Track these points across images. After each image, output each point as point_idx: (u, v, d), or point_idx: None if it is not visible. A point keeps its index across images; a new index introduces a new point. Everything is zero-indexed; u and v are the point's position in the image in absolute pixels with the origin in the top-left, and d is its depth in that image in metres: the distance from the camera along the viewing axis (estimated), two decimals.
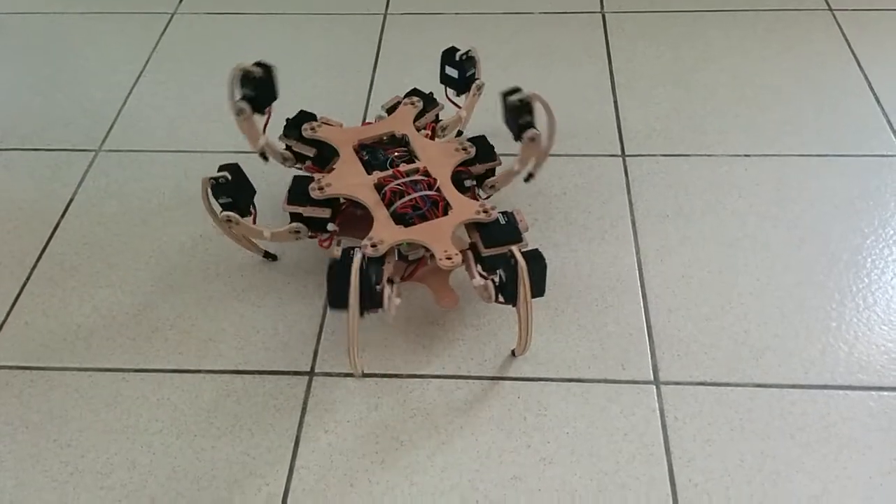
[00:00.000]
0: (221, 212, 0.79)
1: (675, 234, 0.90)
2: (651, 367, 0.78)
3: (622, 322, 0.82)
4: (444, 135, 0.92)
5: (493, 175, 0.86)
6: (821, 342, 0.79)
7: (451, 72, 0.92)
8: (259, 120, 0.81)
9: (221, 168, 0.80)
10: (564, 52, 1.16)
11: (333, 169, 0.83)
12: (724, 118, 1.05)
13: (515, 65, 1.14)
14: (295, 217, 0.80)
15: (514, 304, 0.72)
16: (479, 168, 0.84)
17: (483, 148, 0.84)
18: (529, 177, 0.81)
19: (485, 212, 0.76)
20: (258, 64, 0.80)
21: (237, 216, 0.79)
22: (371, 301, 0.69)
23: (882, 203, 0.93)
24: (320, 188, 0.78)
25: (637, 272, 0.87)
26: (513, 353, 0.79)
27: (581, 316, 0.82)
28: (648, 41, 1.18)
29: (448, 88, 0.94)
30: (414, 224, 0.76)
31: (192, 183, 0.99)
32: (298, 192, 0.79)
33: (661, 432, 0.73)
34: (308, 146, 0.85)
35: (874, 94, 1.07)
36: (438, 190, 0.78)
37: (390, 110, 0.89)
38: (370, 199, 0.78)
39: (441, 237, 0.74)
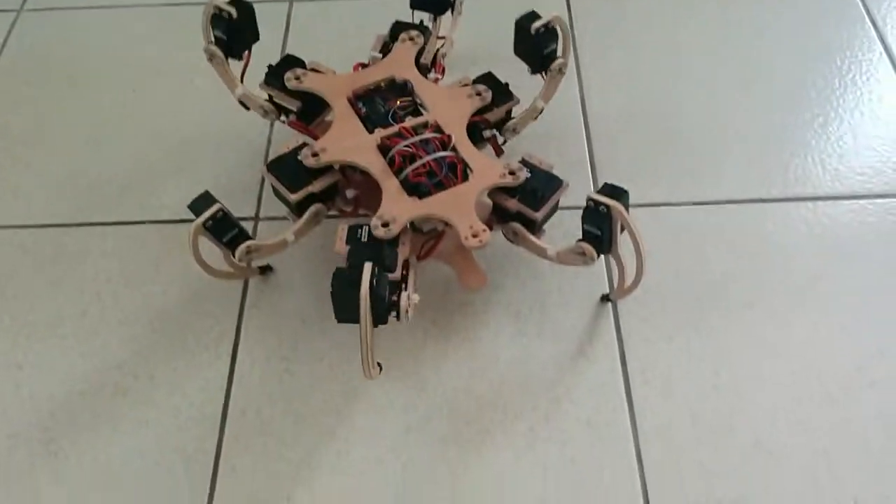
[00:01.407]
0: (239, 247, 0.66)
1: (623, 69, 0.90)
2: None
3: (565, 154, 0.82)
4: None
5: (511, 116, 0.75)
6: (759, 159, 0.81)
7: None
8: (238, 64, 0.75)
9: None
10: None
11: (325, 123, 0.72)
12: None
13: None
14: (306, 201, 0.67)
15: (610, 251, 0.64)
16: (497, 112, 0.73)
17: (496, 88, 0.73)
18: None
19: (511, 173, 0.65)
20: (233, 1, 0.71)
21: (257, 244, 0.66)
22: (384, 317, 0.58)
23: (821, 22, 0.92)
24: (314, 154, 0.66)
25: (580, 106, 0.86)
26: (606, 297, 0.72)
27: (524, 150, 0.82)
28: None
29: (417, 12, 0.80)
30: (430, 194, 0.64)
31: (121, 40, 0.95)
32: (293, 172, 0.66)
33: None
34: (292, 98, 0.73)
35: None
36: (454, 149, 0.67)
37: (384, 51, 0.76)
38: (375, 164, 0.66)
39: (464, 209, 0.63)
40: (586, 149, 0.82)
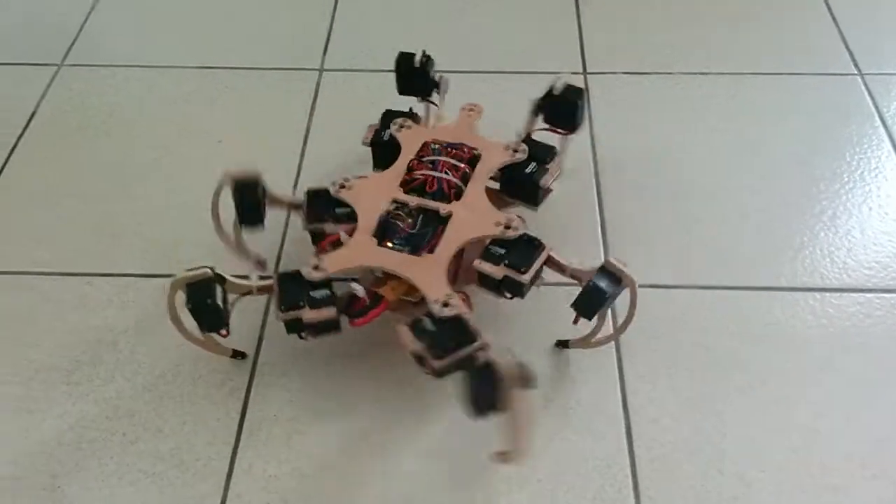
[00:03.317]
0: None
1: (632, 147, 0.92)
2: None
3: (579, 227, 0.84)
4: None
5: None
6: (768, 248, 0.82)
7: None
8: None
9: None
10: None
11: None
12: (684, 37, 1.06)
13: None
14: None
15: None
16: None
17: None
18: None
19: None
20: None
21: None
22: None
23: (832, 119, 0.95)
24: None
25: (594, 182, 0.89)
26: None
27: (538, 232, 0.84)
28: None
29: None
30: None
31: (155, 99, 0.99)
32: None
33: (612, 332, 0.76)
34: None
35: (830, 12, 1.09)
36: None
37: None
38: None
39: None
40: (599, 231, 0.84)
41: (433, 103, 0.84)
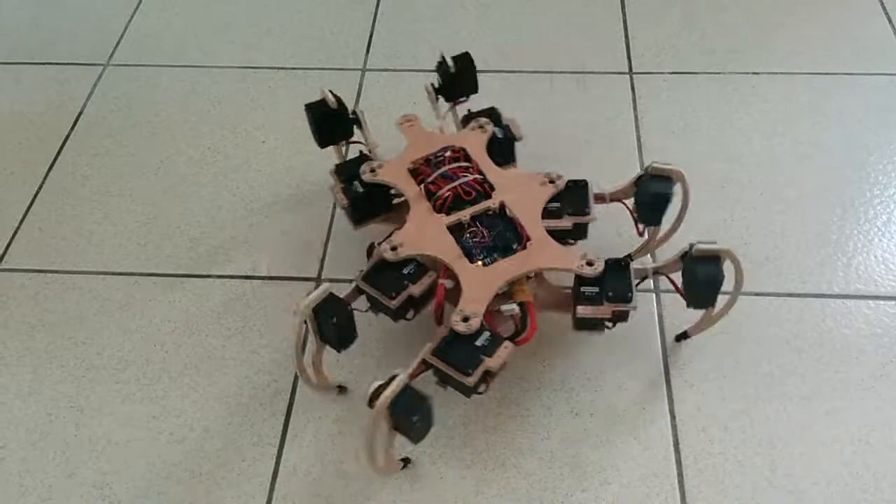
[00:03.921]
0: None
1: (681, 150, 0.91)
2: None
3: (624, 235, 0.83)
4: None
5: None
6: (820, 254, 0.81)
7: None
8: None
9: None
10: None
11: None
12: (734, 36, 1.04)
13: None
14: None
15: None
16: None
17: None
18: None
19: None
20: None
21: None
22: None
23: (888, 121, 0.93)
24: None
25: None
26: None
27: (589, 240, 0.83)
28: None
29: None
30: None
31: (199, 99, 1.00)
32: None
33: (658, 338, 0.75)
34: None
35: (885, 12, 1.06)
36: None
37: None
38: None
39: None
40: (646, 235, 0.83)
41: (360, 142, 0.81)
